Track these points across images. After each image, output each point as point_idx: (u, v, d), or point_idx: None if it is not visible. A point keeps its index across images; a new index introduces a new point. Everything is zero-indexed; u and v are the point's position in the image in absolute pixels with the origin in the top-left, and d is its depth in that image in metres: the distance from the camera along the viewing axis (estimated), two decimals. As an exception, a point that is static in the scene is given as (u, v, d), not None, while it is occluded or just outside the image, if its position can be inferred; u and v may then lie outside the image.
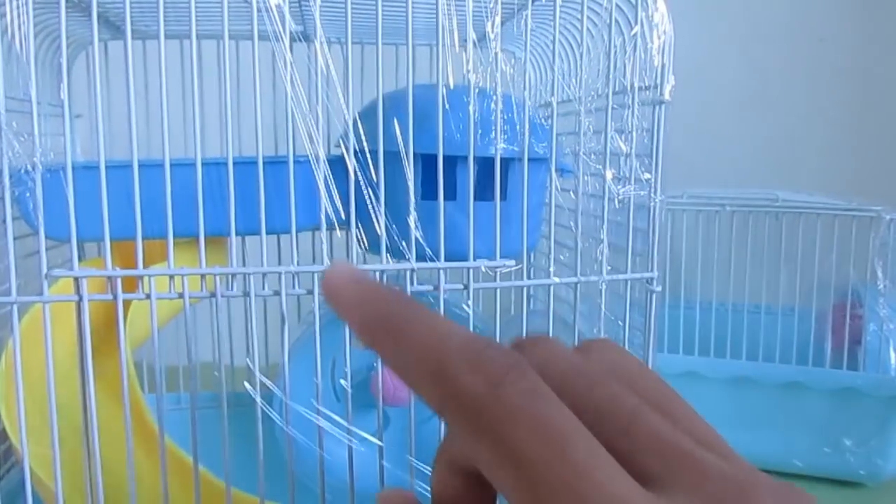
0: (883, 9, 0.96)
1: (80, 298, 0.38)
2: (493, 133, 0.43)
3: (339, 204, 0.41)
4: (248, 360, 0.41)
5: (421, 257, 0.42)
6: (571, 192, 0.45)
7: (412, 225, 0.41)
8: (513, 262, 0.43)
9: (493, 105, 0.43)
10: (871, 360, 0.68)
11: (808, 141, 0.97)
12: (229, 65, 0.39)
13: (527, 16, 0.43)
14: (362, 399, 0.48)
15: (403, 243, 0.41)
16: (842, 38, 0.96)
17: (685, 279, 0.76)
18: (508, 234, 0.45)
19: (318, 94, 0.40)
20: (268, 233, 0.40)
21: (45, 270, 0.38)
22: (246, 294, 0.40)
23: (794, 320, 0.72)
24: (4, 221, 0.38)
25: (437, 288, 0.42)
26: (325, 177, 0.41)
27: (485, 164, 0.43)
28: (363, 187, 0.41)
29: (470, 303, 0.42)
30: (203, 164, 0.39)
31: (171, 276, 0.40)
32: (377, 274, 0.42)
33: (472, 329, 0.42)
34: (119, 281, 0.39)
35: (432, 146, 0.41)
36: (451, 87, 0.41)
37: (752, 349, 0.71)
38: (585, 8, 0.43)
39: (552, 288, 0.44)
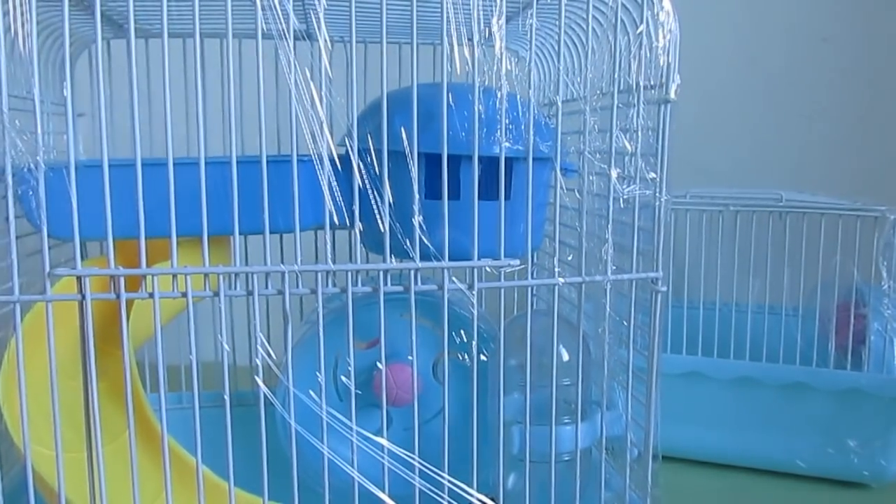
0: (887, 8, 0.96)
1: (83, 297, 0.38)
2: (498, 132, 0.42)
3: (342, 203, 0.41)
4: (259, 353, 0.40)
5: (425, 257, 0.42)
6: (576, 192, 0.45)
7: (416, 224, 0.41)
8: (517, 262, 0.43)
9: (497, 104, 0.42)
10: (875, 360, 0.68)
11: (811, 141, 0.97)
12: (232, 63, 0.39)
13: (531, 14, 0.43)
14: (364, 399, 0.48)
15: (407, 242, 0.41)
16: (846, 37, 0.96)
17: (688, 279, 0.76)
18: (512, 234, 0.45)
19: (321, 93, 0.39)
20: (271, 232, 0.40)
21: (47, 269, 0.38)
22: (249, 293, 0.40)
23: (797, 320, 0.72)
24: (7, 220, 0.38)
25: (441, 287, 0.42)
26: (329, 176, 0.41)
27: (489, 164, 0.43)
28: (367, 187, 0.41)
29: (475, 302, 0.42)
30: (206, 163, 0.39)
31: (175, 275, 0.40)
32: (381, 273, 0.41)
33: (475, 329, 0.42)
34: (122, 280, 0.39)
35: (436, 145, 0.41)
36: (456, 86, 0.41)
37: (755, 349, 0.70)
38: (591, 7, 0.42)
39: (556, 288, 0.44)
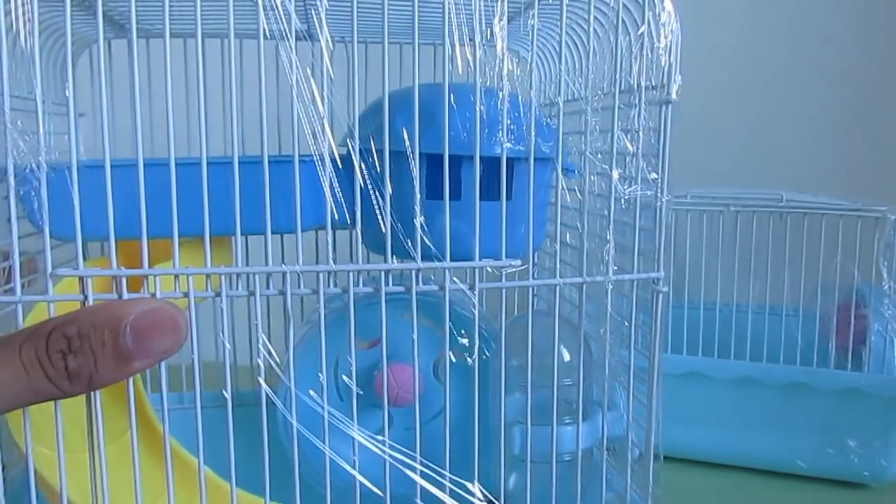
0: (887, 8, 0.96)
1: (85, 298, 0.38)
2: (499, 132, 0.43)
3: (343, 203, 0.41)
4: (261, 353, 0.41)
5: (426, 257, 0.42)
6: (577, 192, 0.45)
7: (417, 224, 0.41)
8: (518, 262, 0.43)
9: (498, 104, 0.43)
10: (875, 360, 0.68)
11: (812, 141, 0.97)
12: (234, 63, 0.39)
13: (533, 15, 0.43)
14: (366, 399, 0.48)
15: (409, 242, 0.41)
16: (846, 37, 0.96)
17: (689, 279, 0.76)
18: (514, 234, 0.45)
19: (322, 93, 0.39)
20: (272, 232, 0.40)
21: (49, 269, 0.38)
22: (251, 293, 0.40)
23: (798, 321, 0.72)
24: (9, 220, 0.38)
25: (442, 288, 0.42)
26: (330, 176, 0.41)
27: (490, 164, 0.43)
28: (368, 187, 0.41)
29: (476, 303, 0.42)
30: (207, 164, 0.39)
31: (176, 276, 0.40)
32: (382, 273, 0.41)
33: (477, 330, 0.42)
34: (124, 280, 0.39)
35: (437, 145, 0.41)
36: (457, 86, 0.41)
37: (755, 350, 0.70)
38: (592, 7, 0.42)
39: (558, 288, 0.44)
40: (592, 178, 0.45)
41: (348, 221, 0.42)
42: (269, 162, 0.39)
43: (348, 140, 0.42)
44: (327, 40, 0.39)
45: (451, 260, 0.42)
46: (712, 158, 0.90)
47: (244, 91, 0.43)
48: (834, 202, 0.70)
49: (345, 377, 0.44)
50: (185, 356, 0.40)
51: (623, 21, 0.43)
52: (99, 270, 0.39)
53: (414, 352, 0.43)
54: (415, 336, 0.42)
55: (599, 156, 0.45)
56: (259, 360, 0.40)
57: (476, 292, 0.42)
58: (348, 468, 0.42)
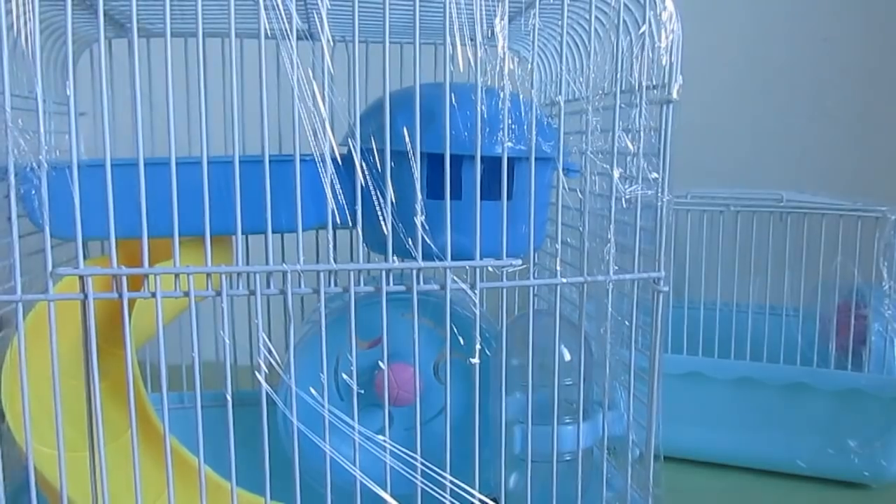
0: (887, 8, 0.96)
1: (86, 296, 0.38)
2: (500, 132, 0.43)
3: (344, 202, 0.41)
4: (261, 353, 0.40)
5: (427, 256, 0.42)
6: (578, 192, 0.45)
7: (418, 224, 0.41)
8: (519, 262, 0.43)
9: (499, 104, 0.42)
10: (875, 360, 0.68)
11: (812, 141, 0.97)
12: (235, 63, 0.39)
13: (534, 14, 0.43)
14: (366, 398, 0.48)
15: (409, 242, 0.41)
16: (846, 37, 0.96)
17: (689, 279, 0.76)
18: (514, 234, 0.45)
19: (323, 92, 0.39)
20: (273, 231, 0.40)
21: (50, 268, 0.38)
22: (251, 293, 0.40)
23: (798, 321, 0.72)
24: (10, 219, 0.38)
25: (443, 287, 0.42)
26: (331, 176, 0.41)
27: (491, 164, 0.43)
28: (369, 186, 0.41)
29: (476, 302, 0.42)
30: (208, 163, 0.39)
31: (177, 275, 0.40)
32: (383, 273, 0.41)
33: (477, 329, 0.42)
34: (124, 279, 0.39)
35: (438, 145, 0.41)
36: (458, 86, 0.41)
37: (756, 350, 0.70)
38: (593, 7, 0.42)
39: (558, 288, 0.44)
40: (593, 177, 0.45)
41: (349, 221, 0.42)
42: (270, 161, 0.39)
43: (349, 139, 0.42)
44: (328, 40, 0.39)
45: (452, 259, 0.42)
46: (712, 158, 0.90)
47: (245, 90, 0.43)
48: (834, 202, 0.70)
49: (345, 376, 0.44)
50: (184, 356, 0.40)
51: (624, 20, 0.43)
52: (99, 269, 0.39)
53: (414, 351, 0.43)
54: (415, 336, 0.42)
55: (600, 155, 0.45)
56: (259, 360, 0.40)
57: (477, 292, 0.42)
58: (349, 467, 0.42)
